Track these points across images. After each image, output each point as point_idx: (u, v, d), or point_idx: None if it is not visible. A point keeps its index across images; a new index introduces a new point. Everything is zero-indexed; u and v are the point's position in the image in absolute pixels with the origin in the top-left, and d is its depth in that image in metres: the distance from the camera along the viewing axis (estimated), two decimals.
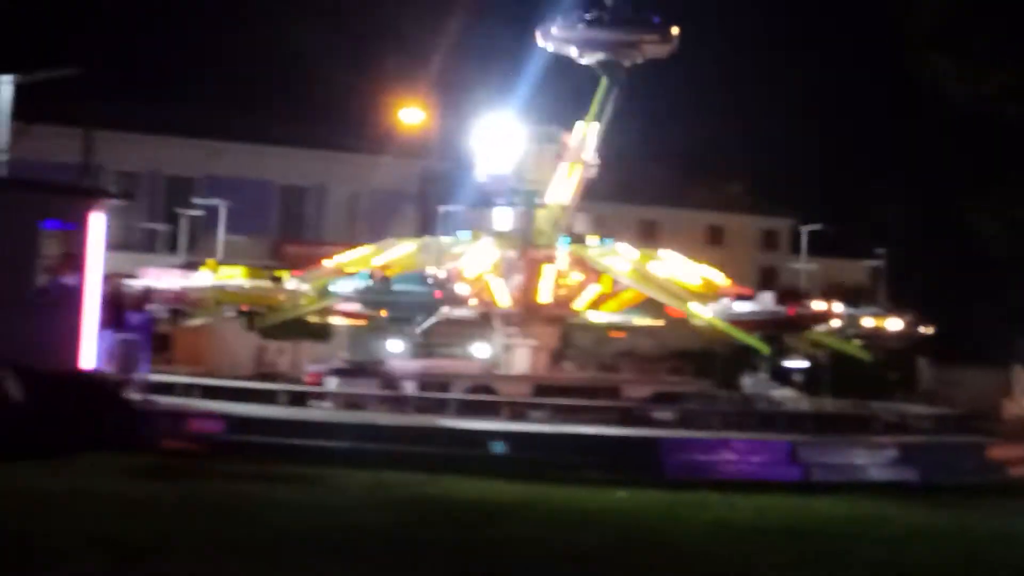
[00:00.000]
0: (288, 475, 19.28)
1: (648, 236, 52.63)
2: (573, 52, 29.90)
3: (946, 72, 30.60)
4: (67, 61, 27.43)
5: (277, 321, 29.33)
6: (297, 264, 31.62)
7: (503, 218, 30.77)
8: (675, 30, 29.13)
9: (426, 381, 27.94)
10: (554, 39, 29.79)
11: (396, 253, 30.40)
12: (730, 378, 32.90)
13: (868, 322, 29.48)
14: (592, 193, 34.21)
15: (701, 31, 56.13)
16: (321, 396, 27.15)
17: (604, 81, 29.81)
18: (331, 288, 28.01)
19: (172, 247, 41.82)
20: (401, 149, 48.68)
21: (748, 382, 32.17)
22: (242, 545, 13.56)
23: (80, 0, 52.61)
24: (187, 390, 26.13)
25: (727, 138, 57.57)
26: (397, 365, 29.53)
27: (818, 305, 27.61)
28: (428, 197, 50.09)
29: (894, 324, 29.02)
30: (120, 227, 43.73)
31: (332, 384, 27.65)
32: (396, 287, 26.81)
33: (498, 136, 30.28)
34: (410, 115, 47.33)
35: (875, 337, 29.67)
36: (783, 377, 32.80)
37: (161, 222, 44.50)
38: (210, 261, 29.39)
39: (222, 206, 35.80)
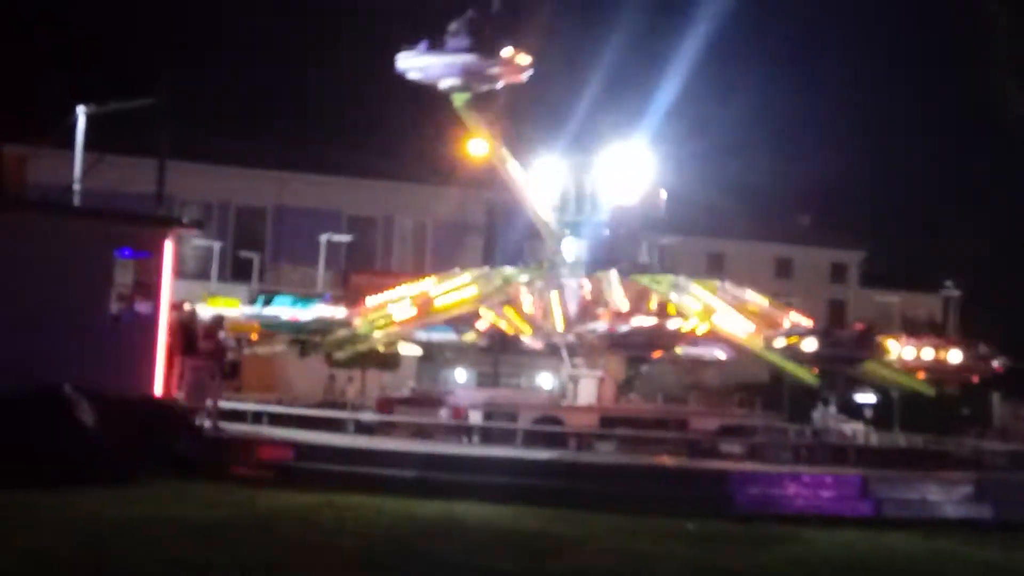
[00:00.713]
0: (357, 504, 19.28)
1: (715, 268, 52.44)
2: (428, 78, 28.90)
3: (1018, 101, 30.27)
4: (140, 92, 27.84)
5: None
6: (365, 294, 31.79)
7: (569, 248, 30.87)
8: (508, 53, 28.08)
9: (493, 411, 27.92)
10: (403, 67, 28.92)
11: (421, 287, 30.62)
12: (799, 411, 32.58)
13: (780, 342, 28.83)
14: (659, 225, 34.13)
15: (771, 65, 56.08)
16: (389, 425, 27.21)
17: (460, 105, 29.06)
18: (238, 312, 28.15)
19: (239, 276, 42.26)
20: (467, 180, 48.86)
21: (817, 416, 31.84)
22: (312, 571, 13.58)
23: (153, 31, 53.51)
24: (256, 417, 26.30)
25: (796, 170, 57.26)
26: (464, 395, 29.55)
27: (643, 321, 27.23)
28: (494, 228, 50.27)
29: (809, 344, 28.41)
30: (190, 256, 44.47)
31: (399, 413, 27.73)
32: (267, 310, 26.98)
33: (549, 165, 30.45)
34: (476, 146, 47.53)
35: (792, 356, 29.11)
36: (853, 411, 32.45)
37: (231, 251, 44.97)
38: (203, 294, 29.84)
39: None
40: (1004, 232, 50.14)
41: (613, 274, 29.83)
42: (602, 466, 23.66)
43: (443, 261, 42.07)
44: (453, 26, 28.08)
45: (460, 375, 33.15)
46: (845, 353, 28.62)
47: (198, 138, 41.91)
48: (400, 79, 29.10)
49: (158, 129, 26.74)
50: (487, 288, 29.88)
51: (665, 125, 31.84)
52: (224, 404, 25.18)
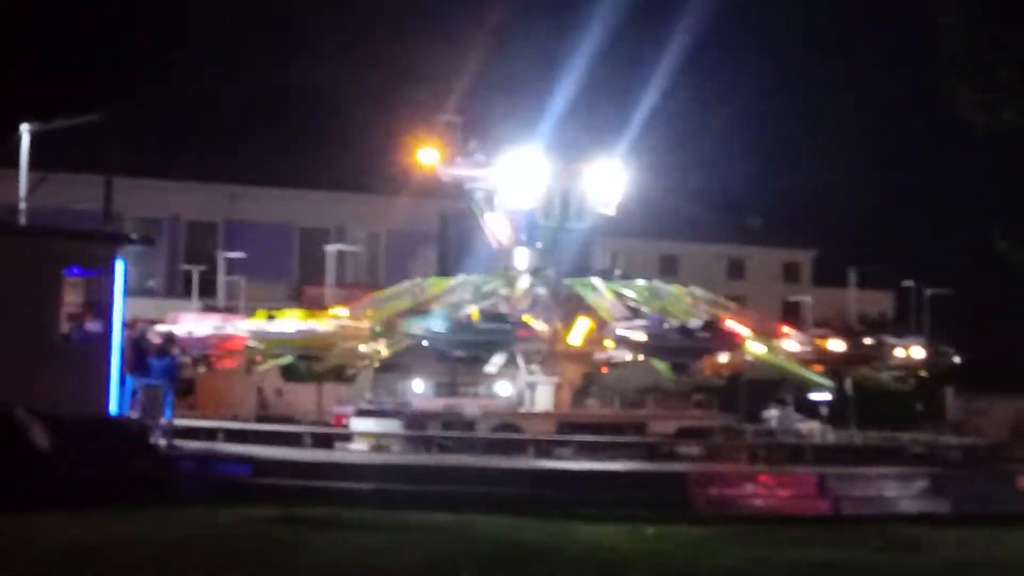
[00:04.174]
0: (316, 518, 19.16)
1: (668, 271, 52.59)
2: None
3: (968, 99, 30.61)
4: (85, 108, 27.54)
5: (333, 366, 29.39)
6: (318, 307, 31.61)
7: (522, 257, 30.96)
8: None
9: (451, 420, 27.85)
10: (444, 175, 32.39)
11: (428, 292, 30.55)
12: (756, 411, 32.73)
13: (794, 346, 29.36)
14: (611, 229, 34.27)
15: (722, 66, 56.39)
16: (347, 438, 27.07)
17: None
18: (406, 328, 27.98)
19: (190, 292, 41.87)
20: (419, 189, 48.74)
21: (774, 415, 32.00)
22: None
23: (97, 46, 53.06)
24: (212, 434, 26.09)
25: (746, 171, 57.61)
26: (422, 405, 29.47)
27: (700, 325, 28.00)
28: (447, 237, 50.17)
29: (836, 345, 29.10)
30: (141, 273, 44.09)
31: (357, 425, 27.58)
32: (481, 325, 26.92)
33: (521, 172, 30.47)
34: (427, 155, 47.47)
35: None
36: (809, 409, 32.64)
37: (182, 267, 44.60)
38: (260, 311, 29.76)
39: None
40: (960, 229, 50.56)
41: (598, 281, 29.94)
42: (560, 472, 23.64)
43: (397, 272, 41.98)
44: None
45: (417, 385, 33.01)
46: (865, 352, 29.11)
47: (145, 153, 41.55)
48: (349, 87, 29.95)
49: (104, 145, 26.46)
50: (464, 297, 29.90)
51: (619, 130, 32.17)
52: (179, 421, 24.98)
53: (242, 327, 28.44)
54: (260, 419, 30.18)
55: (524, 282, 30.17)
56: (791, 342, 28.78)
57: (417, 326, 27.66)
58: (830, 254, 57.50)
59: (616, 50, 36.69)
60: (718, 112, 52.34)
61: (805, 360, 28.93)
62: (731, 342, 27.97)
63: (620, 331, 27.92)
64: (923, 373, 30.80)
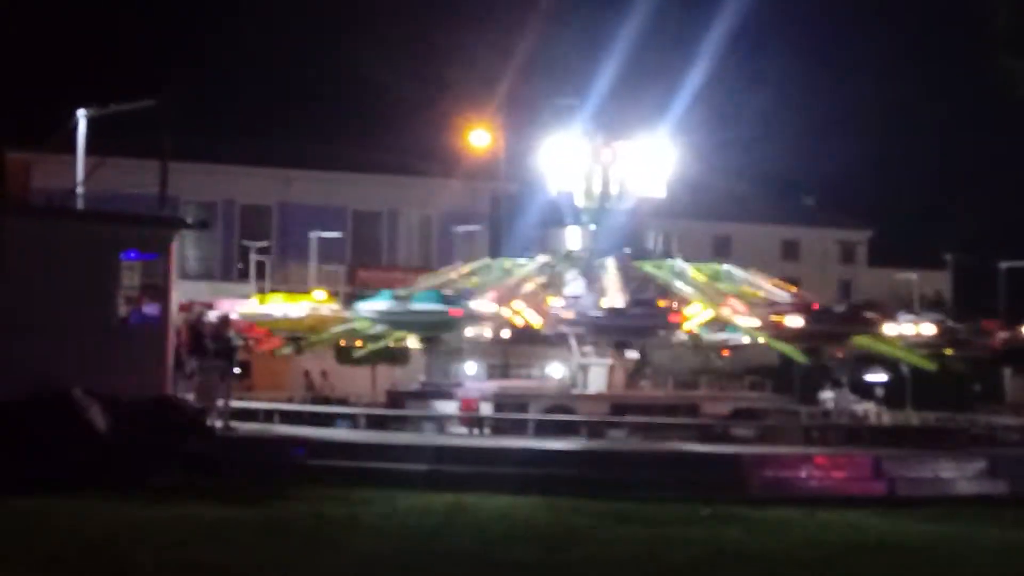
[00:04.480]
0: (370, 499, 19.28)
1: (722, 252, 52.39)
2: None
3: (1019, 75, 30.16)
4: (140, 93, 27.79)
5: (320, 347, 29.66)
6: (371, 289, 31.85)
7: (572, 237, 30.91)
8: None
9: (503, 402, 27.90)
10: None
11: (456, 276, 30.63)
12: (810, 393, 32.55)
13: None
14: (664, 210, 34.12)
15: (774, 46, 55.94)
16: (402, 419, 27.23)
17: None
18: (355, 309, 28.23)
19: (246, 276, 42.26)
20: (470, 172, 48.85)
21: (829, 396, 31.80)
22: (328, 569, 13.57)
23: (152, 33, 53.50)
24: (267, 416, 26.32)
25: (801, 151, 57.13)
26: (474, 386, 29.55)
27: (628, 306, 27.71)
28: (499, 219, 50.25)
29: (794, 321, 28.43)
30: (196, 257, 44.53)
31: (411, 407, 27.74)
32: (413, 306, 26.94)
33: (565, 154, 30.39)
34: (478, 138, 47.57)
35: None
36: (864, 390, 32.42)
37: (236, 251, 45.02)
38: (259, 295, 30.09)
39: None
40: (1007, 208, 50.01)
41: (610, 261, 29.82)
42: (614, 453, 23.63)
43: (449, 254, 42.09)
44: None
45: (470, 367, 33.15)
46: (831, 329, 28.51)
47: (200, 138, 41.91)
48: (400, 72, 29.73)
49: (160, 130, 26.70)
50: (487, 279, 29.91)
51: (665, 109, 31.98)
52: (235, 403, 25.22)
53: (239, 310, 28.80)
54: (310, 400, 30.46)
55: (535, 264, 30.08)
56: (747, 319, 28.16)
57: (364, 306, 27.81)
58: (886, 234, 57.05)
59: (662, 26, 36.41)
60: (769, 90, 51.96)
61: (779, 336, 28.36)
62: (667, 321, 27.67)
63: (554, 309, 27.88)
64: (948, 352, 30.26)
